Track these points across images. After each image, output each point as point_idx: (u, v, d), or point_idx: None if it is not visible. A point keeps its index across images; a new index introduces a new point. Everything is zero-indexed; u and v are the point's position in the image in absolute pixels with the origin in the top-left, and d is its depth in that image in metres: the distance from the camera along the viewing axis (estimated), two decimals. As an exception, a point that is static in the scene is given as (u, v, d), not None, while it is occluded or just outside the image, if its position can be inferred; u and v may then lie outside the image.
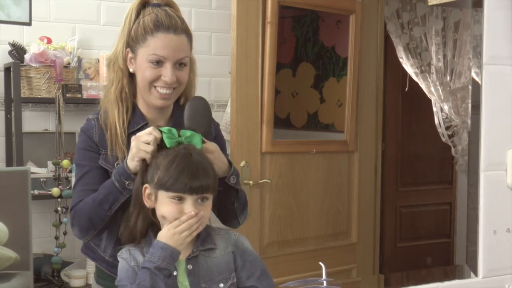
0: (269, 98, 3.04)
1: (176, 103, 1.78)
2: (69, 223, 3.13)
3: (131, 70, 1.70)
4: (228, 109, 3.68)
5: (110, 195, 1.59)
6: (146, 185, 1.50)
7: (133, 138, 1.55)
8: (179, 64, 1.68)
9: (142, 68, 1.66)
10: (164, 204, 1.46)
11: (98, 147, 1.69)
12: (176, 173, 1.44)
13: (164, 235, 1.44)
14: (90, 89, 3.24)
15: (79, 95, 3.20)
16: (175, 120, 1.74)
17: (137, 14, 1.69)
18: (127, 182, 1.57)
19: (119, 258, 1.51)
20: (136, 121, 1.71)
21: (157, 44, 1.64)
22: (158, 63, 1.65)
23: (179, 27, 1.69)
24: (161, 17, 1.67)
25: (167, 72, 1.65)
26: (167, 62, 1.65)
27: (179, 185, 1.44)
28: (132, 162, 1.55)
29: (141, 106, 1.74)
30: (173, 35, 1.66)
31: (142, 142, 1.52)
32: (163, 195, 1.46)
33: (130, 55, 1.69)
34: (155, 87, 1.67)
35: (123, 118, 1.69)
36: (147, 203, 1.50)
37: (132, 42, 1.68)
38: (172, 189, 1.44)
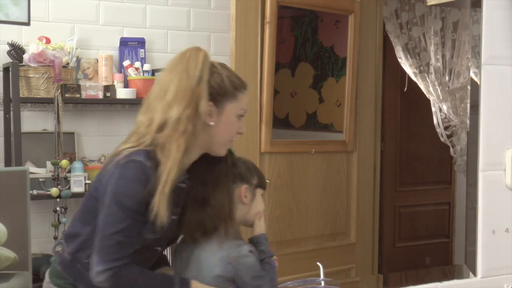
0: (268, 98, 3.04)
1: None
2: (68, 224, 3.14)
3: (211, 123, 1.66)
4: (227, 109, 3.68)
5: None
6: (245, 185, 1.75)
7: None
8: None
9: (230, 122, 1.71)
10: (259, 202, 1.78)
11: (150, 198, 1.60)
12: (262, 174, 1.83)
13: (262, 227, 1.75)
14: (89, 89, 3.24)
15: (78, 95, 3.20)
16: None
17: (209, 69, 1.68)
18: None
19: (251, 254, 1.70)
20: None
21: (245, 100, 1.74)
22: (240, 117, 1.74)
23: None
24: (239, 76, 1.76)
25: (243, 125, 1.75)
26: (244, 115, 1.76)
27: (265, 183, 1.83)
28: None
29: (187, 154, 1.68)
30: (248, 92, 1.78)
31: None
32: (259, 193, 1.78)
33: (213, 108, 1.66)
34: (230, 140, 1.74)
35: (177, 174, 1.63)
36: (243, 203, 1.75)
37: (216, 95, 1.67)
38: (264, 187, 1.81)
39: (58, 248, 1.73)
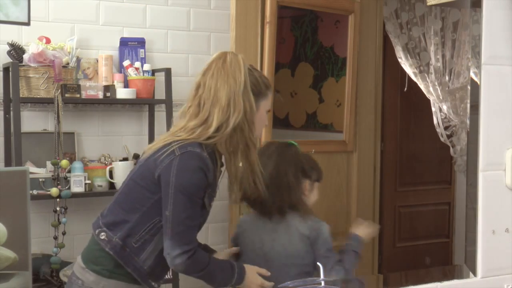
0: (268, 98, 3.04)
1: None
2: (69, 224, 3.14)
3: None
4: (227, 109, 3.68)
5: (223, 283, 1.92)
6: (308, 181, 2.20)
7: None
8: None
9: (263, 118, 1.97)
10: (315, 193, 2.25)
11: (207, 186, 1.86)
12: (320, 168, 2.26)
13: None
14: (89, 89, 3.24)
15: (78, 95, 3.20)
16: None
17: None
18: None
19: (327, 230, 2.14)
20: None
21: (272, 98, 2.02)
22: (267, 112, 2.00)
23: None
24: (264, 75, 2.04)
25: (268, 118, 2.05)
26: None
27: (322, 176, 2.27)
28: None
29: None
30: None
31: None
32: (316, 186, 2.23)
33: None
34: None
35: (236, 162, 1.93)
36: (304, 195, 2.18)
37: (255, 95, 1.90)
38: (321, 180, 2.25)
39: (102, 236, 1.88)
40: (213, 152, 1.87)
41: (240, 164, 1.91)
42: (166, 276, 2.01)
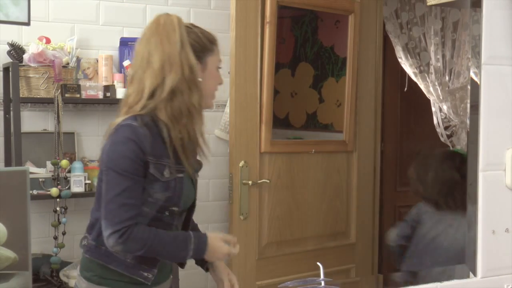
0: (268, 98, 3.04)
1: None
2: (69, 224, 3.14)
3: (199, 79, 1.79)
4: (227, 109, 3.68)
5: (179, 256, 1.79)
6: None
7: (219, 250, 1.83)
8: None
9: (214, 75, 1.86)
10: None
11: (147, 157, 1.71)
12: None
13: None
14: (89, 89, 3.24)
15: (78, 95, 3.20)
16: None
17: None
18: (190, 257, 1.80)
19: None
20: None
21: (219, 52, 1.88)
22: (219, 69, 1.88)
23: None
24: (207, 30, 1.89)
25: (220, 75, 1.90)
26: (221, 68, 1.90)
27: None
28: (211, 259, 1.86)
29: None
30: None
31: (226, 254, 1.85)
32: None
33: (198, 65, 1.80)
34: (215, 91, 1.89)
35: (173, 127, 1.77)
36: None
37: (199, 53, 1.80)
38: None
39: (84, 242, 1.83)
40: (153, 121, 1.74)
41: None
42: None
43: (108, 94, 3.27)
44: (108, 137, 1.73)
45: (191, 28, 1.82)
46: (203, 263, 1.94)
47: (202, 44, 1.81)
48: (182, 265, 1.95)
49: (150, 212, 1.75)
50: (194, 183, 1.91)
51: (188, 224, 1.95)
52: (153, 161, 1.72)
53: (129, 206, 1.68)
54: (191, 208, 1.94)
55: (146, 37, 1.78)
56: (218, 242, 1.83)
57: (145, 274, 1.78)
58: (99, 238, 1.76)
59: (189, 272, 1.93)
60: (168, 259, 1.82)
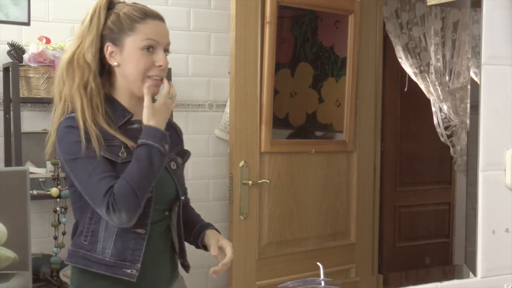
0: (268, 98, 3.04)
1: None
2: (69, 224, 3.13)
3: (114, 63, 1.69)
4: (227, 109, 3.68)
5: (155, 162, 1.61)
6: None
7: (162, 106, 1.66)
8: (166, 51, 1.72)
9: (135, 58, 1.67)
10: None
11: (91, 141, 1.63)
12: None
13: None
14: (89, 89, 3.24)
15: (78, 95, 3.19)
16: None
17: (106, 11, 1.72)
18: (166, 145, 1.65)
19: None
20: (120, 115, 1.71)
21: (148, 30, 1.67)
22: (149, 49, 1.67)
23: (161, 16, 1.75)
24: (142, 7, 1.72)
25: (161, 57, 1.68)
26: (159, 47, 1.68)
27: None
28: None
29: (121, 99, 1.73)
30: (160, 22, 1.72)
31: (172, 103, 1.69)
32: None
33: (111, 49, 1.69)
34: (149, 76, 1.68)
35: (90, 112, 1.65)
36: None
37: (113, 35, 1.68)
38: None
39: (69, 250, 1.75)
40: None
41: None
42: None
43: (108, 94, 3.27)
44: (56, 139, 1.69)
45: (115, 8, 1.72)
46: (199, 246, 1.85)
47: (118, 25, 1.68)
48: (187, 268, 1.88)
49: None
50: (171, 173, 1.77)
51: (180, 222, 1.82)
52: (101, 144, 1.63)
53: (104, 178, 1.60)
54: (176, 203, 1.80)
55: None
56: (152, 108, 1.67)
57: (128, 271, 1.67)
58: (77, 242, 1.70)
59: (190, 272, 1.91)
60: (157, 172, 1.64)
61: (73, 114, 1.65)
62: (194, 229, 1.86)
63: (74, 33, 3.37)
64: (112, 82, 1.73)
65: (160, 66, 1.68)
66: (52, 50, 3.16)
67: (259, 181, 3.01)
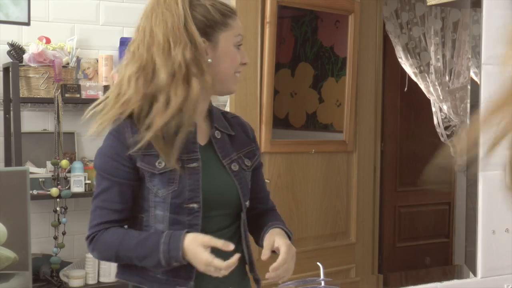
0: (268, 98, 3.04)
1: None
2: (69, 224, 3.14)
3: (208, 60, 1.51)
4: (227, 109, 3.68)
5: (151, 260, 1.46)
6: None
7: (203, 267, 1.42)
8: None
9: (230, 53, 1.55)
10: None
11: (130, 150, 1.48)
12: None
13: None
14: (89, 89, 3.24)
15: (78, 95, 3.20)
16: (216, 119, 1.63)
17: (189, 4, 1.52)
18: (175, 263, 1.46)
19: None
20: None
21: (238, 25, 1.57)
22: (239, 46, 1.57)
23: None
24: (222, 1, 1.59)
25: (245, 54, 1.59)
26: (242, 44, 1.59)
27: None
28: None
29: None
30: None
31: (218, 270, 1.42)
32: None
33: (206, 43, 1.52)
34: (236, 72, 1.58)
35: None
36: None
37: (207, 29, 1.52)
38: None
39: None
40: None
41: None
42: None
43: (108, 94, 3.27)
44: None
45: (198, 0, 1.53)
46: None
47: (211, 18, 1.52)
48: (258, 282, 1.68)
49: (165, 216, 1.50)
50: (232, 175, 1.59)
51: (239, 230, 1.62)
52: (139, 154, 1.49)
53: (102, 209, 1.51)
54: (239, 208, 1.60)
55: (147, 13, 1.56)
56: (195, 246, 1.43)
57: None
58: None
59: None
60: (146, 265, 1.49)
61: (122, 116, 1.51)
62: (262, 231, 1.64)
63: (74, 33, 3.37)
64: None
65: (245, 63, 1.59)
66: (52, 50, 3.16)
67: (259, 181, 3.01)
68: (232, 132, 1.63)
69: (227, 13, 1.54)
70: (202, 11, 1.52)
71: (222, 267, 1.40)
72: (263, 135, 3.03)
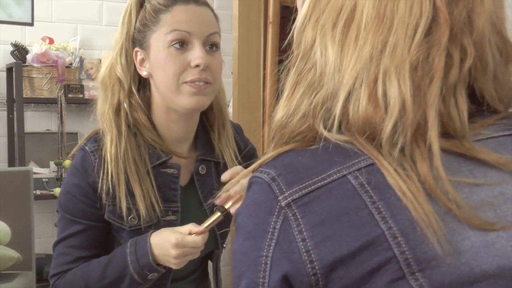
0: (271, 98, 3.04)
1: (200, 122, 1.33)
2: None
3: (144, 73, 1.24)
4: (230, 109, 3.68)
5: (125, 280, 1.21)
6: None
7: (174, 250, 1.16)
8: (209, 46, 1.23)
9: (162, 60, 1.19)
10: None
11: (97, 193, 1.22)
12: None
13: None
14: (92, 89, 3.24)
15: (81, 95, 3.20)
16: (203, 145, 1.33)
17: (139, 7, 1.26)
18: (150, 274, 1.21)
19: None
20: (155, 152, 1.27)
21: (175, 18, 1.19)
22: (182, 45, 1.19)
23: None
24: None
25: (197, 53, 1.19)
26: (193, 39, 1.20)
27: None
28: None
29: (159, 123, 1.28)
30: (194, 6, 1.23)
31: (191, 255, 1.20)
32: None
33: (140, 55, 1.24)
34: (185, 82, 1.19)
35: (122, 147, 1.25)
36: None
37: (139, 36, 1.24)
38: None
39: None
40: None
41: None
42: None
43: (111, 94, 3.28)
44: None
45: (145, 3, 1.25)
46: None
47: (143, 21, 1.23)
48: None
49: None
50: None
51: (217, 268, 1.45)
52: (107, 200, 1.22)
53: (67, 256, 1.26)
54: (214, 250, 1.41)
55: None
56: (160, 235, 1.19)
57: None
58: None
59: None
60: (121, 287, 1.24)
61: (91, 146, 1.31)
62: None
63: (77, 33, 3.38)
64: (150, 100, 1.28)
65: (197, 65, 1.18)
66: (55, 50, 3.17)
67: (262, 181, 3.01)
68: (222, 159, 1.35)
69: (160, 7, 1.21)
70: (142, 15, 1.24)
71: (197, 239, 1.16)
72: (266, 135, 3.03)
